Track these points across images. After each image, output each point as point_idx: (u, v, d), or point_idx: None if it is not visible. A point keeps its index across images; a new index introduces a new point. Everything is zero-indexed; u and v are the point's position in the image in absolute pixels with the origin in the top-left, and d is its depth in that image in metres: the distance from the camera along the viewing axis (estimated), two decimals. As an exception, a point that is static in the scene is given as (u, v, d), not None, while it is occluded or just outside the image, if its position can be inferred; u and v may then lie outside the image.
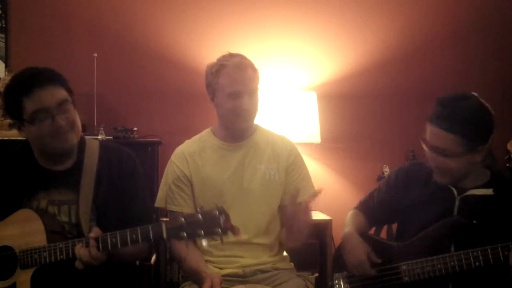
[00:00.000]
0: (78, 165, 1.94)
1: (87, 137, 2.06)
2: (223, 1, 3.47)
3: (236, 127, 2.16)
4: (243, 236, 2.07)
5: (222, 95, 2.11)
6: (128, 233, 1.70)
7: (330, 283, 2.23)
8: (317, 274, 3.07)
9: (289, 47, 3.49)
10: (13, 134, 3.07)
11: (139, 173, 2.05)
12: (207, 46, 3.42)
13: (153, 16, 3.44)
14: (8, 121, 3.08)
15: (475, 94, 2.00)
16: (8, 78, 3.14)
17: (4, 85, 3.08)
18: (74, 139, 1.90)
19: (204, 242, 1.66)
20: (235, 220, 2.08)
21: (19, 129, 1.89)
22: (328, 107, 3.43)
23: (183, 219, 1.64)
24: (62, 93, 1.85)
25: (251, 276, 2.11)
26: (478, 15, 3.57)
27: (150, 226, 1.69)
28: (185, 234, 1.63)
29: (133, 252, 1.92)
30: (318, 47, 3.52)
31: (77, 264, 1.73)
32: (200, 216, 1.64)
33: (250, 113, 2.13)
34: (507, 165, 3.03)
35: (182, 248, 2.06)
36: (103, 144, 2.03)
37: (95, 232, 1.75)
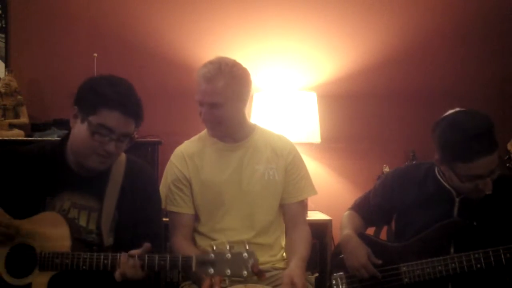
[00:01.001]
0: (105, 174, 1.93)
1: None
2: (223, 1, 3.47)
3: (208, 133, 2.18)
4: (244, 236, 2.07)
5: None
6: (156, 258, 1.72)
7: (328, 284, 2.23)
8: (317, 274, 3.07)
9: (289, 47, 3.49)
10: (13, 134, 3.07)
11: (158, 194, 2.08)
12: (207, 46, 3.42)
13: (153, 16, 3.44)
14: (8, 121, 3.10)
15: (455, 110, 1.99)
16: (8, 78, 3.16)
17: (4, 85, 3.11)
18: (109, 164, 1.91)
19: (227, 280, 1.69)
20: (235, 221, 2.09)
21: (75, 118, 1.86)
22: (328, 107, 3.42)
23: (213, 255, 1.65)
24: (132, 128, 1.85)
25: (250, 276, 2.11)
26: (478, 15, 3.57)
27: (180, 256, 1.71)
28: (212, 270, 1.64)
29: None
30: (318, 47, 3.52)
31: (117, 275, 1.72)
32: (229, 255, 1.65)
33: (211, 124, 2.12)
34: (507, 165, 3.03)
35: (182, 247, 2.06)
36: (129, 158, 2.03)
37: (146, 247, 1.75)
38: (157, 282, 3.07)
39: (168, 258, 1.71)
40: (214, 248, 1.68)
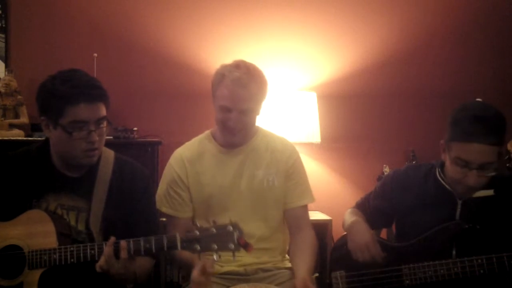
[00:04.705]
0: (92, 174, 1.92)
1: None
2: (223, 1, 3.47)
3: (223, 139, 2.14)
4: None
5: (216, 105, 2.08)
6: (142, 241, 1.72)
7: (328, 281, 2.22)
8: (317, 274, 3.06)
9: (289, 48, 3.49)
10: (13, 134, 3.07)
11: (150, 192, 2.05)
12: (207, 46, 3.42)
13: (153, 16, 3.44)
14: (8, 121, 3.10)
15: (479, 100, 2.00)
16: (8, 78, 3.15)
17: (4, 85, 3.11)
18: (98, 155, 1.90)
19: (215, 257, 1.67)
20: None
21: (47, 128, 1.86)
22: (328, 107, 3.43)
23: (198, 232, 1.66)
24: (103, 111, 1.84)
25: (252, 274, 2.11)
26: (478, 15, 3.57)
27: (164, 236, 1.70)
28: (198, 247, 1.65)
29: (141, 267, 1.91)
30: (318, 47, 3.52)
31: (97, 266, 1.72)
32: (214, 230, 1.65)
33: (236, 130, 2.07)
34: (507, 165, 3.03)
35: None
36: (117, 156, 2.01)
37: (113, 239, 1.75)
38: (157, 282, 3.07)
39: (153, 239, 1.71)
40: (198, 225, 1.68)
